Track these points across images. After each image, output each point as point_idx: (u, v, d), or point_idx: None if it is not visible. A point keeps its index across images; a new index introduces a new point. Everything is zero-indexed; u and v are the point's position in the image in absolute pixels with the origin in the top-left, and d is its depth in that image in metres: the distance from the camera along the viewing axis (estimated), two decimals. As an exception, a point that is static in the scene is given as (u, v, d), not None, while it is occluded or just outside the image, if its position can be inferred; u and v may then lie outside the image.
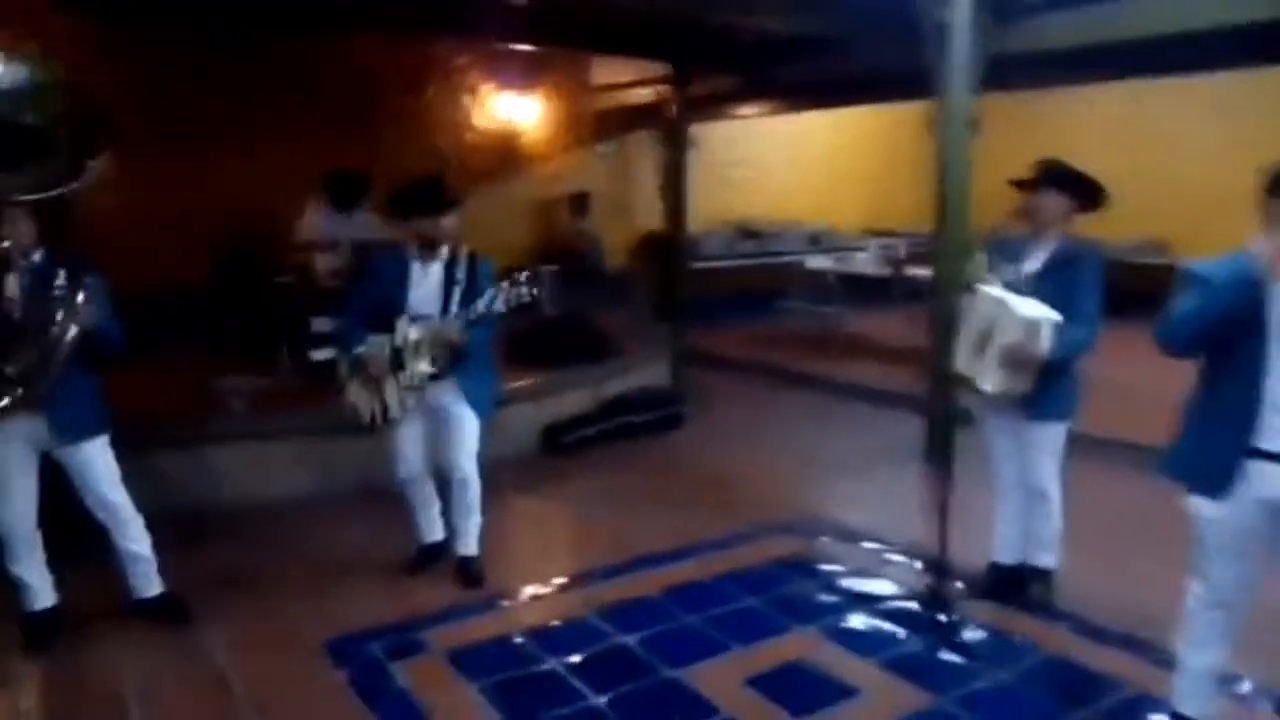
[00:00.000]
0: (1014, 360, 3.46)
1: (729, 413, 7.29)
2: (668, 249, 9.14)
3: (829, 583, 4.20)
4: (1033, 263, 3.66)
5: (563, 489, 5.59)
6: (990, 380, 3.54)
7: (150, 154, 7.29)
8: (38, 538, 3.59)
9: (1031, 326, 3.40)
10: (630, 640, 3.65)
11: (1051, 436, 3.71)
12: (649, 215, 10.62)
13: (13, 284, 3.32)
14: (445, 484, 4.22)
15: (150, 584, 3.80)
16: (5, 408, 3.27)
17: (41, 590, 3.64)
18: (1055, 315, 3.39)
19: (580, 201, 9.60)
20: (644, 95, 9.78)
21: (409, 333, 3.89)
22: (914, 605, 3.92)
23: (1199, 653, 2.84)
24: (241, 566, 4.37)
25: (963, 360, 3.74)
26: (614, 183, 10.51)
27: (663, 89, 8.33)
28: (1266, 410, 2.53)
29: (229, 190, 7.52)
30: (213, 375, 5.56)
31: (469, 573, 4.18)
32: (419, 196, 3.97)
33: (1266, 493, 2.57)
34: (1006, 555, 4.00)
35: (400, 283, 3.96)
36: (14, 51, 3.24)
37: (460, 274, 3.96)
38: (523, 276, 3.75)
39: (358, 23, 7.23)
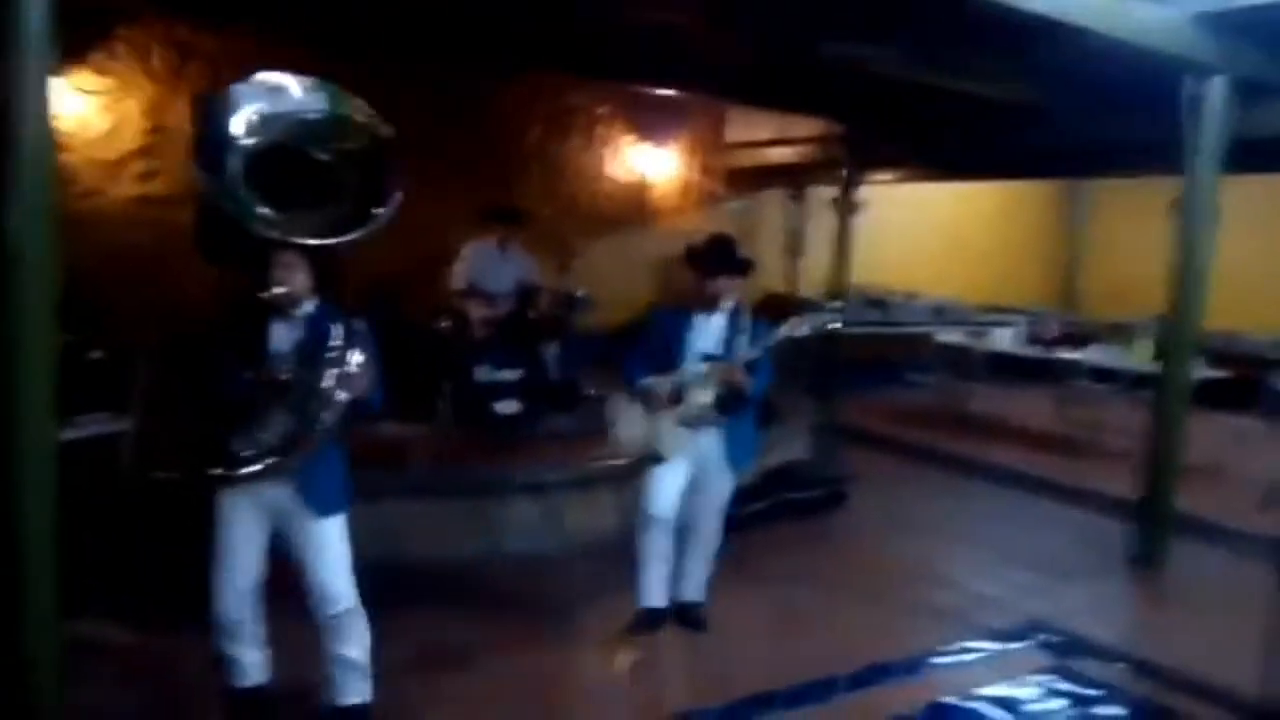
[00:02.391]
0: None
1: (888, 493, 6.79)
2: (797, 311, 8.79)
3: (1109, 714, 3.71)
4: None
5: (746, 573, 5.05)
6: None
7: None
8: (258, 615, 3.16)
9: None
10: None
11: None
12: (771, 275, 10.27)
13: (282, 336, 2.98)
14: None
15: (355, 691, 3.16)
16: (253, 474, 2.89)
17: (253, 667, 3.22)
18: None
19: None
20: (781, 154, 9.54)
21: (695, 367, 3.90)
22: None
23: None
24: (447, 637, 4.02)
25: None
26: (739, 241, 10.16)
27: (824, 149, 8.04)
28: None
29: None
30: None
31: (695, 618, 4.21)
32: (721, 256, 3.97)
33: None
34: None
35: (684, 333, 3.98)
36: (316, 80, 2.89)
37: (744, 324, 3.95)
38: (833, 305, 3.86)
39: (528, 63, 7.05)
